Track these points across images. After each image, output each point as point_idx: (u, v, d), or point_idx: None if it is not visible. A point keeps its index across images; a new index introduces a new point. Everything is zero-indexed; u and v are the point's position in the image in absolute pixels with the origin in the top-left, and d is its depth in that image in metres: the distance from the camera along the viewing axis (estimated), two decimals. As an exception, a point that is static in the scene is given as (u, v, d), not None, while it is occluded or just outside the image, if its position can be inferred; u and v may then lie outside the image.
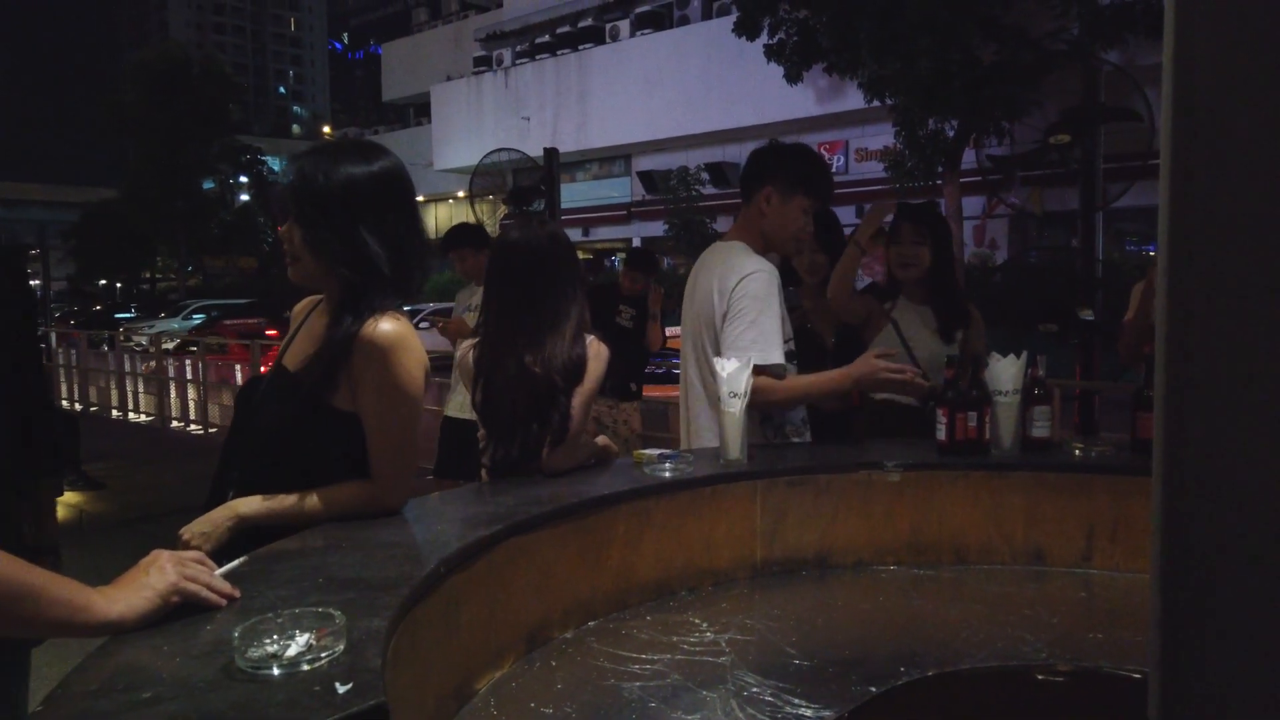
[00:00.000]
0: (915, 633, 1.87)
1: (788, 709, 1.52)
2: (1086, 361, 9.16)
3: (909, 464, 2.23)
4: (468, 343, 2.28)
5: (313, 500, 1.62)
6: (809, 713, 1.51)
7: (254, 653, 1.01)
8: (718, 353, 2.36)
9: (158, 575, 1.16)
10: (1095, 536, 2.18)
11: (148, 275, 44.32)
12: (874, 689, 1.60)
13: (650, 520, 1.98)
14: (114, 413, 11.65)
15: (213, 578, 1.22)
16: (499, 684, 1.60)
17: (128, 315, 29.30)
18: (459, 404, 4.93)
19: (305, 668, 1.01)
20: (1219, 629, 0.67)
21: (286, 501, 1.61)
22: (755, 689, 1.59)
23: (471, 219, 9.85)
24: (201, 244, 34.28)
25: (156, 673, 1.01)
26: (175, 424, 10.77)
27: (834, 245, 3.15)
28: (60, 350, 13.67)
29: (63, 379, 12.79)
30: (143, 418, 11.43)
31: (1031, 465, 2.25)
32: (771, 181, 2.49)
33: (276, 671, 1.00)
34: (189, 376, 12.58)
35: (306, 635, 1.05)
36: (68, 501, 6.56)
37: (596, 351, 2.15)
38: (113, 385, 12.08)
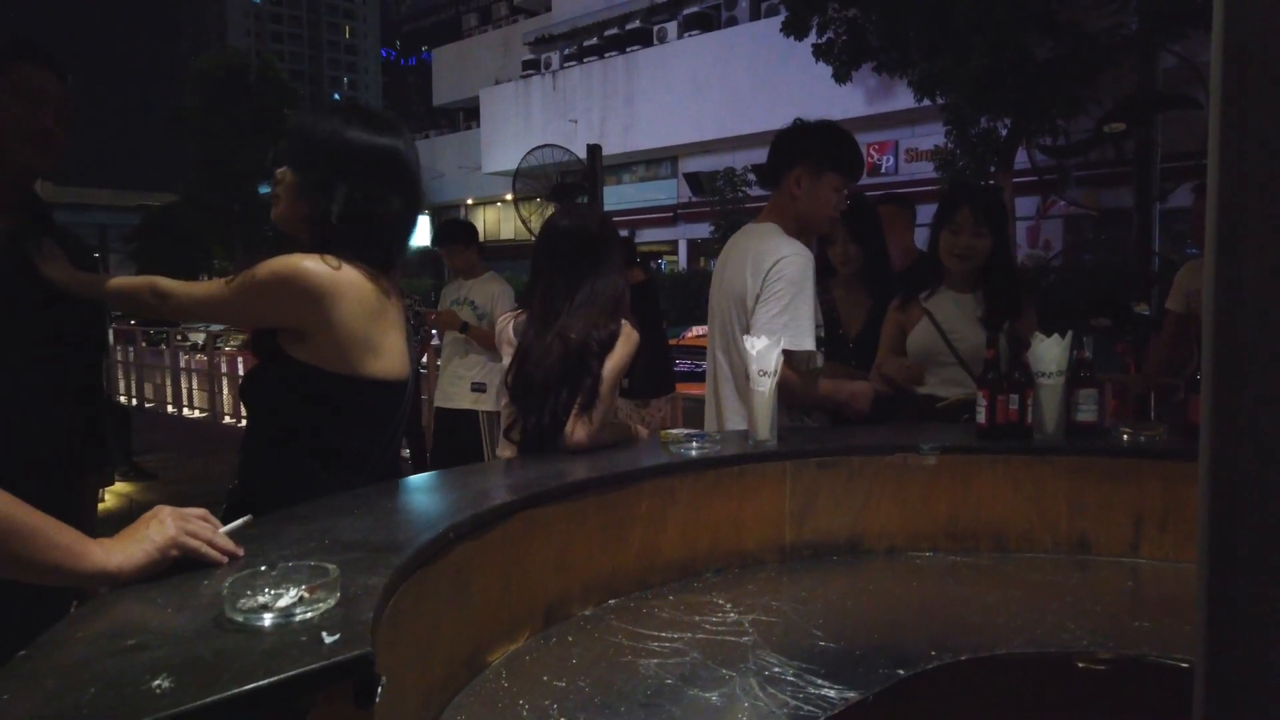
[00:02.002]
0: (950, 618, 1.80)
1: (810, 689, 1.46)
2: (1139, 356, 8.89)
3: (946, 447, 2.15)
4: (508, 315, 2.34)
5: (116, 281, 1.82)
6: (832, 694, 1.45)
7: (244, 603, 0.99)
8: (747, 333, 2.30)
9: (157, 528, 1.14)
10: (1144, 525, 2.08)
11: (205, 277, 45.39)
12: (902, 672, 1.53)
13: (675, 499, 1.93)
14: (169, 408, 11.89)
15: (215, 534, 1.19)
16: (513, 656, 1.56)
17: (185, 315, 29.95)
18: (443, 394, 4.98)
19: (296, 619, 0.98)
20: (1268, 618, 0.63)
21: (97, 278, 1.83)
22: (777, 669, 1.53)
23: (518, 220, 9.90)
24: (256, 246, 34.99)
25: (146, 622, 0.99)
26: (227, 419, 10.96)
27: (867, 234, 3.05)
28: (118, 347, 13.99)
29: (120, 375, 13.10)
30: (196, 413, 11.65)
31: (1076, 450, 2.15)
32: (800, 162, 2.42)
33: (267, 622, 0.97)
34: (241, 373, 12.80)
35: (298, 588, 1.02)
36: (119, 491, 6.70)
37: (628, 334, 2.13)
38: (168, 381, 12.34)
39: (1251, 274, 0.62)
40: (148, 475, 7.33)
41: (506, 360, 2.22)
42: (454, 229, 5.22)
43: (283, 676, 0.86)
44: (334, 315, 1.59)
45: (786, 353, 2.17)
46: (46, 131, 1.85)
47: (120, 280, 1.87)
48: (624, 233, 5.98)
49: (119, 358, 13.92)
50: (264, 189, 34.60)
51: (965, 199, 2.77)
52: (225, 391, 11.64)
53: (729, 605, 1.81)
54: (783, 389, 2.16)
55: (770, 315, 2.31)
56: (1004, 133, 12.57)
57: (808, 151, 2.42)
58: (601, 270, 2.18)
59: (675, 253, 26.79)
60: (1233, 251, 0.62)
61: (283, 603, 0.99)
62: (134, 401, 12.40)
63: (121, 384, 12.96)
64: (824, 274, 3.12)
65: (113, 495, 6.81)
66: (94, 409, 2.15)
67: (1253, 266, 0.62)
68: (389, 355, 1.68)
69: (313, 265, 1.58)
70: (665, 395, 5.57)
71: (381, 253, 1.68)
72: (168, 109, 33.57)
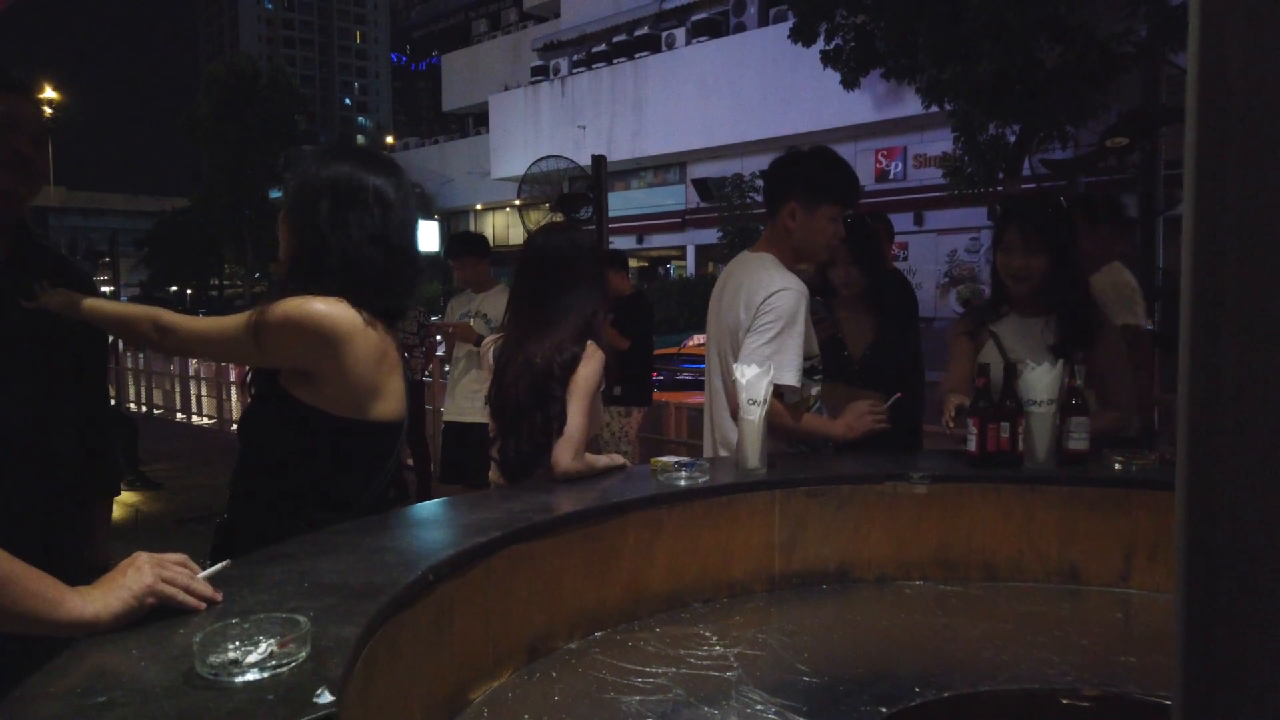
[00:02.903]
0: (937, 651, 1.80)
1: (790, 729, 1.46)
2: (1146, 373, 8.84)
3: (937, 475, 2.15)
4: (491, 338, 2.36)
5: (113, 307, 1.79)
6: (812, 733, 1.45)
7: (214, 659, 0.99)
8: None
9: (134, 576, 1.15)
10: (1134, 555, 2.08)
11: (216, 282, 45.65)
12: (884, 710, 1.53)
13: (662, 530, 1.94)
14: (178, 415, 11.96)
15: (193, 580, 1.20)
16: (495, 694, 1.56)
17: (197, 320, 30.12)
18: (456, 408, 4.98)
19: (266, 675, 0.99)
20: (1247, 657, 0.62)
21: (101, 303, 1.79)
22: (759, 706, 1.54)
23: (523, 227, 9.93)
24: (267, 252, 35.17)
25: (118, 676, 1.00)
26: (234, 427, 11.02)
27: (868, 255, 3.05)
28: (128, 354, 14.07)
29: (130, 382, 13.18)
30: (205, 420, 11.72)
31: (1067, 479, 2.15)
32: (793, 195, 2.40)
33: (236, 679, 0.98)
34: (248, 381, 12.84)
35: (269, 641, 1.02)
36: (125, 501, 6.73)
37: (590, 353, 2.13)
38: (176, 388, 12.41)
39: (1229, 298, 0.60)
40: (154, 485, 7.37)
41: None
42: (467, 241, 5.20)
43: (245, 739, 0.86)
44: (345, 360, 1.60)
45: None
46: (22, 156, 1.81)
47: (121, 308, 1.87)
48: (613, 242, 5.95)
49: (128, 364, 14.01)
50: (275, 194, 34.85)
51: (1012, 217, 2.58)
52: (234, 398, 11.69)
53: (715, 638, 1.81)
54: (768, 421, 2.16)
55: (755, 346, 2.30)
56: (1012, 139, 12.55)
57: (801, 183, 2.41)
58: (571, 290, 2.19)
59: (684, 258, 26.81)
60: (1211, 274, 0.61)
61: (252, 658, 1.00)
62: (143, 409, 12.46)
63: (131, 390, 13.04)
64: (826, 295, 3.12)
65: (119, 506, 6.86)
66: (99, 437, 2.15)
67: (1230, 290, 0.60)
68: (391, 398, 1.69)
69: (326, 308, 1.58)
70: (643, 407, 5.59)
71: (377, 299, 1.67)
72: (181, 115, 33.78)
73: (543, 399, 2.09)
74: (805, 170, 2.43)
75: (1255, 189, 0.60)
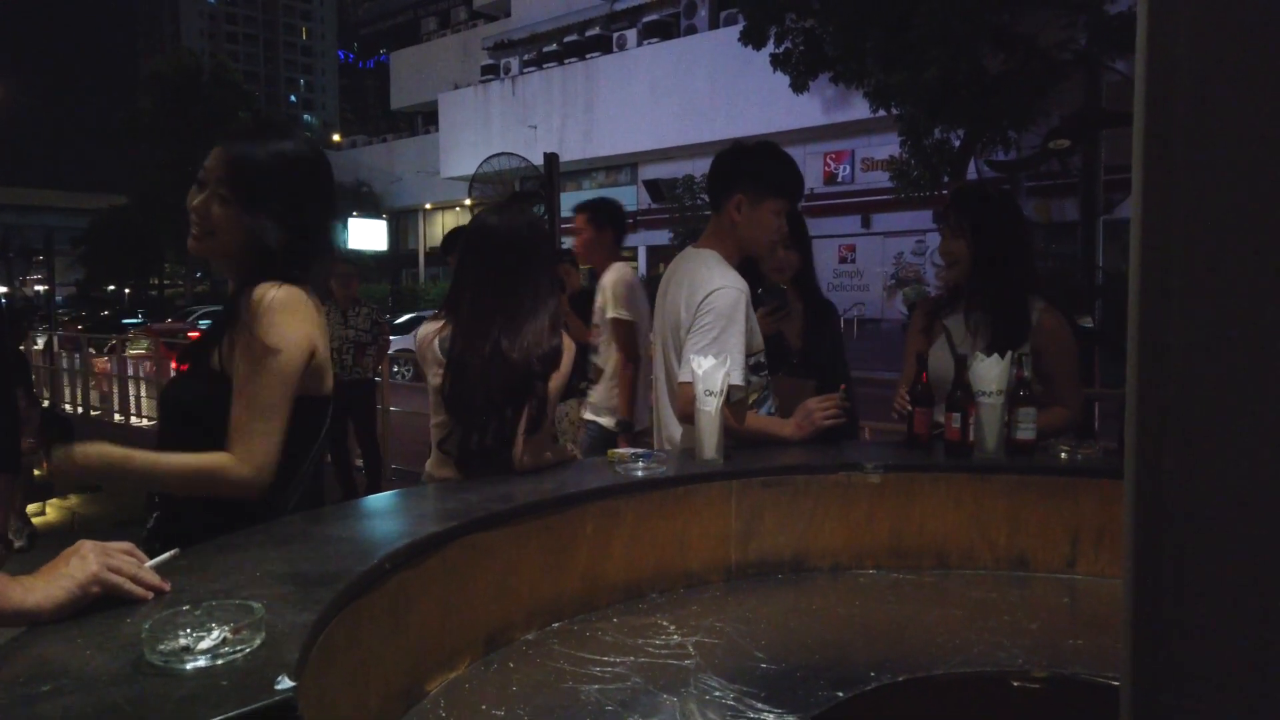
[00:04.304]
0: (891, 638, 1.82)
1: (749, 714, 1.47)
2: (1085, 370, 9.08)
3: (889, 465, 2.17)
4: (430, 326, 2.17)
5: (168, 459, 1.55)
6: (771, 717, 1.46)
7: (165, 646, 0.97)
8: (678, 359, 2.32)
9: (78, 564, 1.12)
10: (1080, 542, 2.12)
11: (155, 281, 44.56)
12: (841, 694, 1.54)
13: (620, 520, 1.93)
14: (115, 416, 11.63)
15: (139, 569, 1.17)
16: (452, 685, 1.54)
17: (135, 321, 29.42)
18: None
19: (219, 661, 0.96)
20: (1192, 637, 0.64)
21: (146, 455, 1.54)
22: (718, 693, 1.54)
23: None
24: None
25: (64, 665, 0.96)
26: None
27: (802, 240, 3.09)
28: (63, 354, 13.67)
29: (65, 383, 12.80)
30: (144, 422, 11.41)
31: (1016, 468, 2.19)
32: (740, 188, 2.39)
33: (188, 665, 0.95)
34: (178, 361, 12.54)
35: (222, 628, 1.00)
36: (62, 504, 6.55)
37: (566, 346, 2.11)
38: (115, 389, 12.08)
39: (1176, 287, 0.62)
40: (92, 487, 7.17)
41: (432, 379, 2.12)
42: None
43: (200, 724, 0.84)
44: (320, 340, 1.64)
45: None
46: None
47: (175, 464, 1.57)
48: (565, 242, 5.87)
49: (64, 365, 13.61)
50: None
51: (950, 201, 2.61)
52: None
53: (673, 627, 1.81)
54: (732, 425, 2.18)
55: (698, 348, 2.28)
56: (957, 144, 12.79)
57: (748, 177, 2.39)
58: (536, 276, 2.09)
59: (635, 259, 26.83)
60: (1158, 267, 0.63)
61: (205, 644, 0.97)
62: (79, 409, 12.11)
63: (66, 392, 12.66)
64: (760, 284, 3.07)
65: (55, 509, 6.66)
66: None
67: (1178, 280, 0.62)
68: (330, 370, 1.70)
69: (296, 294, 1.59)
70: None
71: (320, 264, 1.68)
72: (120, 111, 32.93)
73: (518, 395, 2.01)
74: (751, 164, 2.42)
75: (1202, 187, 0.61)
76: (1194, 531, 0.64)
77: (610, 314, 4.07)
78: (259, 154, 1.62)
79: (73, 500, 6.80)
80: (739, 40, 13.60)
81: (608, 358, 4.15)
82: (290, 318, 1.56)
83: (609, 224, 4.38)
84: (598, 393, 4.20)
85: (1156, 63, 0.62)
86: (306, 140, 1.69)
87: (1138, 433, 0.65)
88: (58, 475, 1.59)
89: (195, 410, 1.62)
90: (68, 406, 12.12)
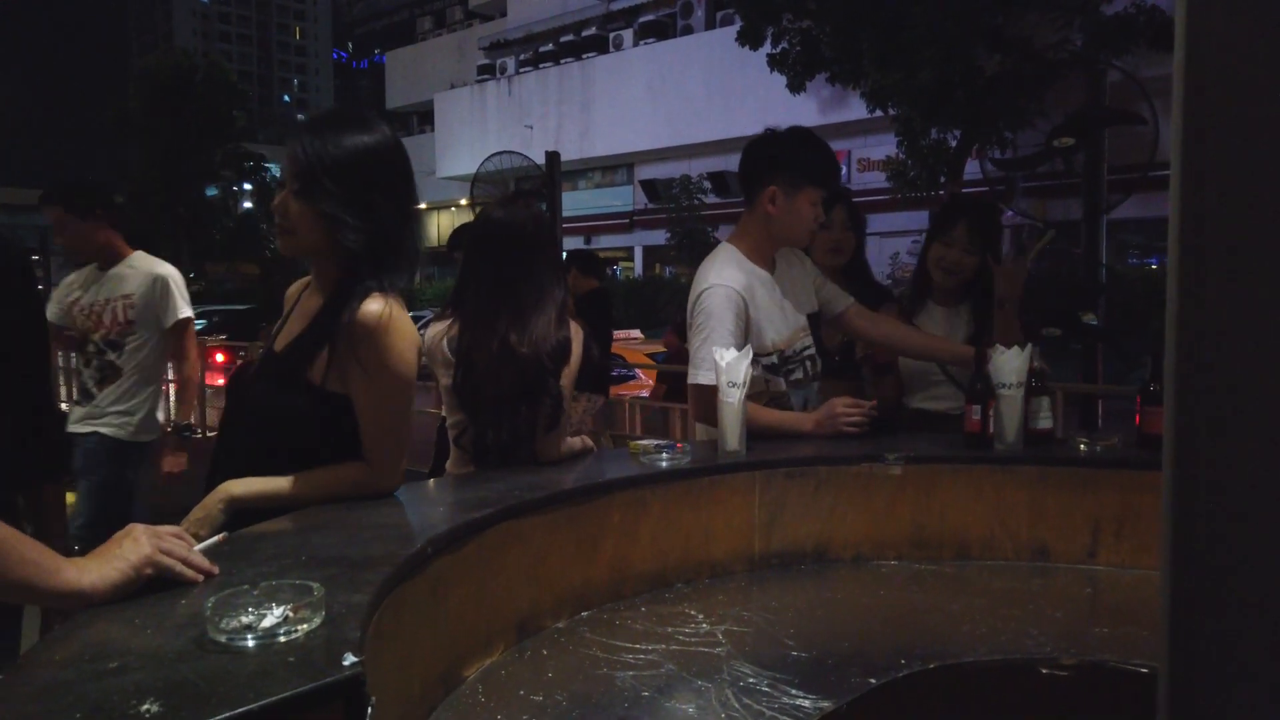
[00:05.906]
0: (916, 626, 1.83)
1: (785, 699, 1.48)
2: (1089, 366, 9.12)
3: (911, 457, 2.19)
4: (438, 327, 2.18)
5: (306, 481, 1.58)
6: (807, 703, 1.47)
7: (227, 624, 0.97)
8: None
9: (131, 546, 1.12)
10: (1101, 532, 2.14)
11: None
12: (874, 681, 1.55)
13: (647, 510, 1.94)
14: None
15: (190, 553, 1.18)
16: (488, 671, 1.55)
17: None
18: None
19: (281, 639, 0.97)
20: (1229, 623, 0.65)
21: (279, 483, 1.58)
22: (752, 679, 1.55)
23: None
24: (204, 250, 34.30)
25: (126, 644, 0.97)
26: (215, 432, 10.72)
27: (859, 224, 3.05)
28: (57, 352, 13.62)
29: (61, 381, 12.74)
30: (141, 421, 11.37)
31: (1036, 460, 2.20)
32: (774, 179, 2.35)
33: (251, 643, 0.96)
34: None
35: (283, 607, 1.00)
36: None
37: (575, 333, 2.13)
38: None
39: (1213, 283, 0.63)
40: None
41: (443, 379, 2.14)
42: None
43: (273, 699, 0.85)
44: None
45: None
46: None
47: (321, 485, 1.62)
48: (581, 241, 5.93)
49: (59, 362, 13.54)
50: (211, 191, 33.99)
51: (965, 214, 2.74)
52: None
53: (701, 616, 1.82)
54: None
55: (693, 346, 2.33)
56: (954, 144, 12.82)
57: (782, 167, 2.35)
58: (541, 270, 2.11)
59: (631, 259, 26.84)
60: (1196, 264, 0.64)
61: (267, 623, 0.98)
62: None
63: (62, 391, 12.60)
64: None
65: (57, 506, 6.64)
66: (38, 421, 2.10)
67: (1214, 276, 0.63)
68: None
69: (400, 313, 1.61)
70: (597, 394, 5.61)
71: (415, 260, 1.68)
72: (113, 110, 32.77)
73: (532, 390, 2.01)
74: (785, 152, 2.37)
75: (1233, 183, 0.62)
76: (1234, 517, 0.64)
77: None
78: (328, 146, 1.57)
79: (71, 498, 6.77)
80: (735, 40, 13.60)
81: None
82: (402, 341, 1.59)
83: (593, 274, 4.56)
84: None
85: (1194, 63, 0.63)
86: (384, 132, 1.64)
87: (1175, 424, 0.66)
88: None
89: (298, 425, 1.62)
90: (64, 406, 12.06)
